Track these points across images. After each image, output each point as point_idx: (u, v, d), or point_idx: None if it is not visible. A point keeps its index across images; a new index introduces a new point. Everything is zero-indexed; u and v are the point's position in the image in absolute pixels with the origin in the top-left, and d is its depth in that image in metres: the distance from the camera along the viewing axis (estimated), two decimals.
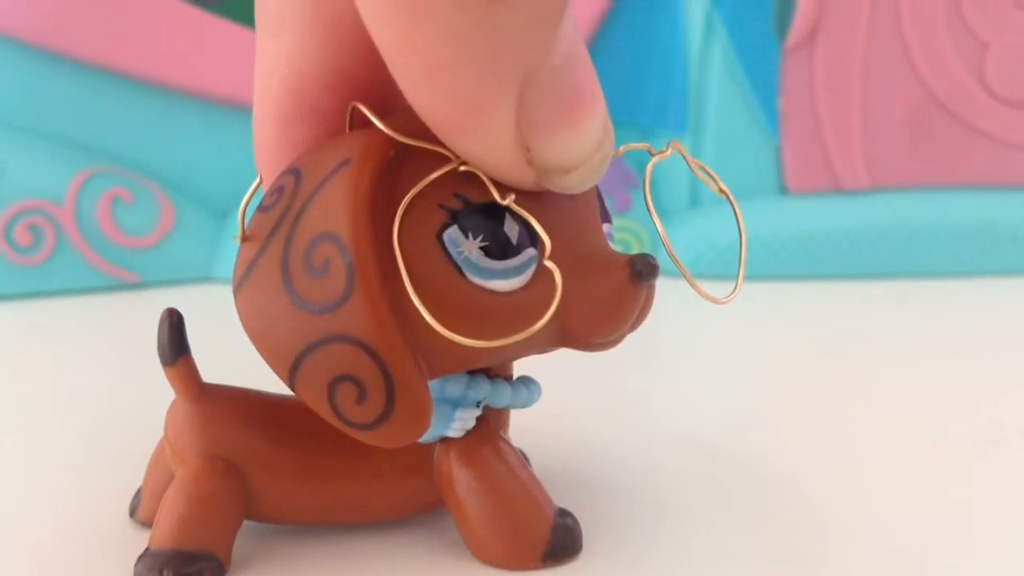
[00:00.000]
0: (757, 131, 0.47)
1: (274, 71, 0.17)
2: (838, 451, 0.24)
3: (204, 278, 0.42)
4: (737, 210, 0.19)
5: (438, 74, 0.14)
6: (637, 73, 0.47)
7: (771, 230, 0.45)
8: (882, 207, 0.47)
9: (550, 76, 0.15)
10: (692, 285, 0.17)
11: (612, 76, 0.46)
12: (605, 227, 0.18)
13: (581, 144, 0.16)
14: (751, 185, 0.47)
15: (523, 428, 0.21)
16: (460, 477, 0.19)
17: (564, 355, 0.18)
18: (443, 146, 0.16)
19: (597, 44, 0.46)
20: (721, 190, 0.19)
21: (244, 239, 0.17)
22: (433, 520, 0.20)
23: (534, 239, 0.16)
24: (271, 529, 0.20)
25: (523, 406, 0.19)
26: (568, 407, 0.26)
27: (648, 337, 0.18)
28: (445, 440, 0.19)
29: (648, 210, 0.18)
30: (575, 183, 0.16)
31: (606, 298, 0.17)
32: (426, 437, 0.19)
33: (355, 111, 0.17)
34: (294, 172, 0.17)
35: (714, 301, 0.17)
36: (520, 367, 0.20)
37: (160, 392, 0.19)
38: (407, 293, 0.16)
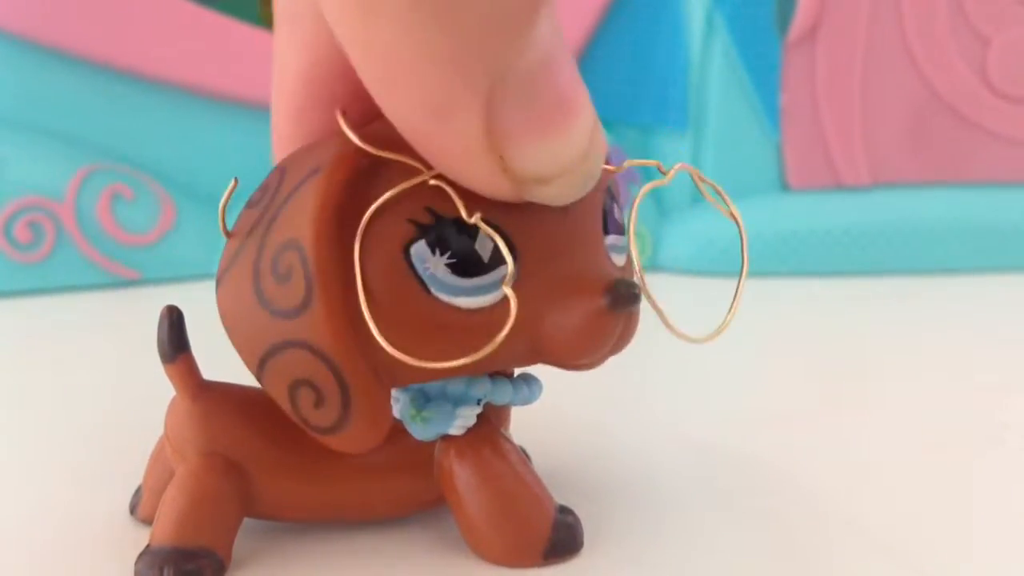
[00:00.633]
0: (758, 128, 0.47)
1: (289, 61, 0.17)
2: (840, 450, 0.24)
3: (205, 275, 0.42)
4: (744, 239, 0.18)
5: (399, 76, 0.14)
6: (638, 70, 0.46)
7: (772, 227, 0.45)
8: (883, 203, 0.47)
9: (524, 80, 0.14)
10: (668, 326, 0.17)
11: (613, 74, 0.46)
12: (610, 239, 0.18)
13: (562, 153, 0.15)
14: (752, 182, 0.47)
15: (525, 425, 0.21)
16: (461, 474, 0.19)
17: None
18: (417, 158, 0.16)
19: (597, 42, 0.46)
20: (732, 215, 0.18)
21: (228, 235, 0.17)
22: (434, 518, 0.20)
23: (514, 256, 0.16)
24: (272, 526, 0.20)
25: (524, 403, 0.19)
26: (570, 404, 0.26)
27: (649, 334, 0.18)
28: (446, 437, 0.19)
29: (629, 237, 0.17)
30: (557, 194, 0.15)
31: (581, 323, 0.16)
32: (427, 435, 0.19)
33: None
34: (280, 171, 0.17)
35: (692, 341, 0.17)
36: None
37: (161, 389, 0.19)
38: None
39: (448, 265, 0.16)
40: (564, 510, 0.19)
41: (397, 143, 0.16)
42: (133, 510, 0.21)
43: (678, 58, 0.46)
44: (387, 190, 0.16)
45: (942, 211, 0.47)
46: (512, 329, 0.15)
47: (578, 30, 0.45)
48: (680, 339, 0.17)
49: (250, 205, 0.17)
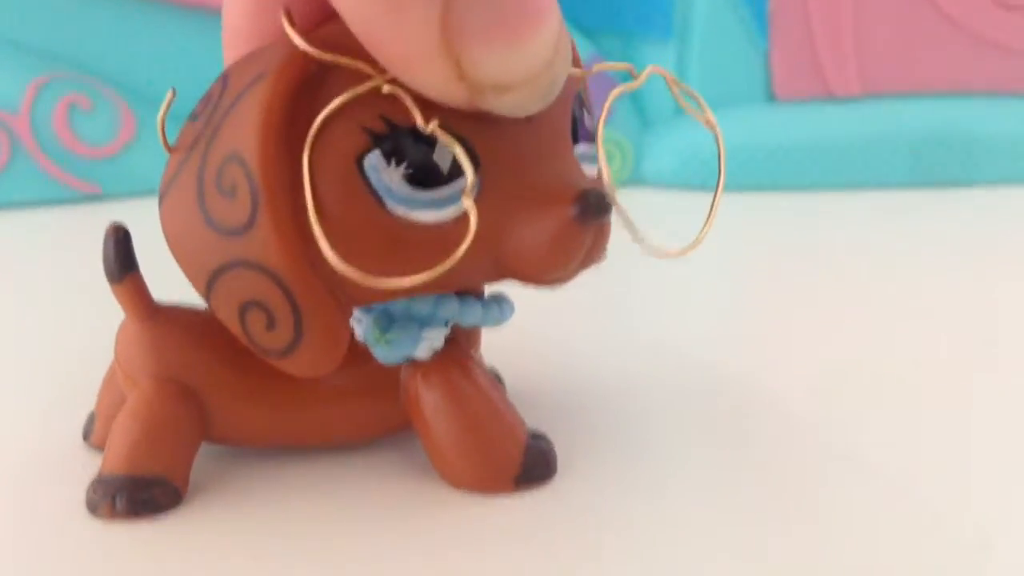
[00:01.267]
0: (745, 36, 0.45)
1: None
2: (826, 371, 0.24)
3: None
4: (721, 148, 0.17)
5: None
6: None
7: (759, 138, 0.44)
8: (874, 114, 0.45)
9: None
10: (639, 240, 0.16)
11: None
12: (581, 148, 0.17)
13: (522, 61, 0.14)
14: (739, 92, 0.45)
15: (496, 347, 0.20)
16: (428, 399, 0.18)
17: None
18: (369, 62, 0.14)
19: None
20: (708, 122, 0.17)
21: (170, 149, 0.16)
22: (401, 443, 0.19)
23: (476, 166, 0.15)
24: (230, 452, 0.19)
25: (495, 324, 0.19)
26: (543, 325, 0.25)
27: (628, 250, 0.17)
28: (413, 361, 0.18)
29: (598, 146, 0.16)
30: (516, 105, 0.15)
31: (548, 235, 0.15)
32: (392, 358, 0.18)
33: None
34: (223, 79, 0.16)
35: (665, 256, 0.16)
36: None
37: (116, 311, 0.18)
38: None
39: (405, 176, 0.15)
40: (536, 435, 0.19)
41: (348, 47, 0.14)
42: (86, 436, 0.20)
43: None
44: (337, 97, 0.15)
45: (935, 122, 0.45)
46: (474, 244, 0.14)
47: None
48: (652, 254, 0.16)
49: (193, 117, 0.16)
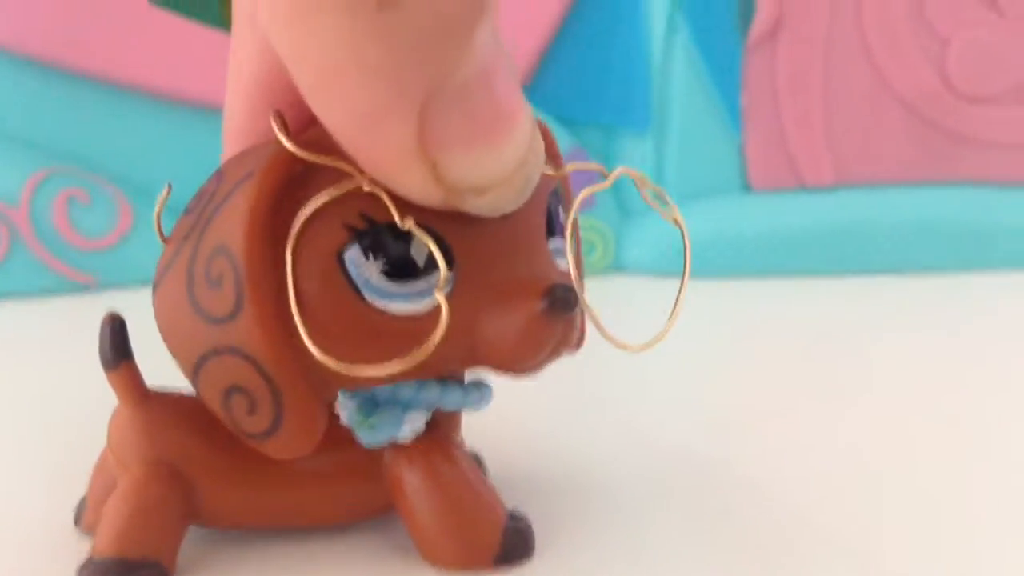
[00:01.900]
0: (720, 128, 0.47)
1: (245, 61, 0.17)
2: (801, 454, 0.24)
3: None
4: (687, 245, 0.18)
5: (331, 82, 0.14)
6: (600, 71, 0.46)
7: (735, 227, 0.45)
8: (846, 203, 0.47)
9: (461, 91, 0.14)
10: (603, 332, 0.17)
11: (574, 74, 0.46)
12: (555, 242, 0.18)
13: (495, 165, 0.15)
14: (714, 182, 0.47)
15: (477, 431, 0.21)
16: (411, 481, 0.19)
17: None
18: (351, 163, 0.15)
19: (559, 42, 0.46)
20: (675, 220, 0.18)
21: (165, 240, 0.17)
22: (384, 525, 0.20)
23: (450, 261, 0.16)
24: (218, 535, 0.20)
25: (475, 409, 0.19)
26: (522, 409, 0.25)
27: (602, 338, 0.17)
28: (396, 444, 0.19)
29: (566, 241, 0.17)
30: (492, 204, 0.15)
31: (518, 327, 0.16)
32: (375, 441, 0.18)
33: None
34: (218, 176, 0.17)
35: (628, 349, 0.17)
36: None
37: (109, 398, 0.19)
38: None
39: (382, 270, 0.16)
40: (515, 516, 0.19)
41: (333, 148, 0.15)
42: (77, 521, 0.20)
43: (640, 58, 0.46)
44: (320, 194, 0.16)
45: (904, 211, 0.47)
46: (448, 334, 0.15)
47: (539, 29, 0.45)
48: (616, 347, 0.17)
49: (187, 211, 0.17)
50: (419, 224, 0.15)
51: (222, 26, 0.43)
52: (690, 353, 0.34)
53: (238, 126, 0.18)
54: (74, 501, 0.21)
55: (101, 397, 0.20)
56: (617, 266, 0.46)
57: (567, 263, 0.18)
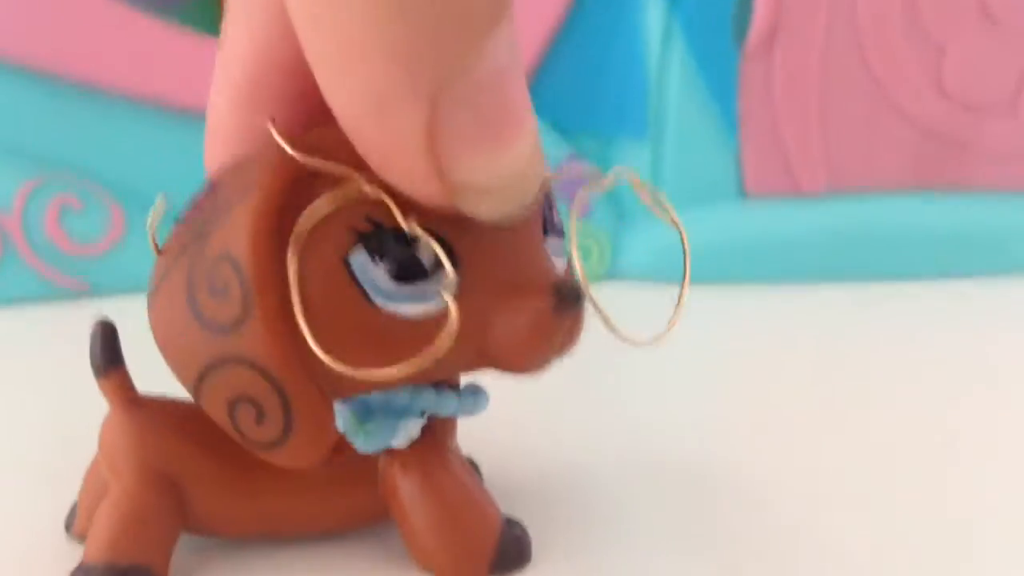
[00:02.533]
0: (716, 135, 0.47)
1: (236, 55, 0.17)
2: (798, 461, 0.24)
3: None
4: (686, 247, 0.18)
5: (346, 60, 0.14)
6: (596, 79, 0.46)
7: (731, 234, 0.45)
8: (842, 210, 0.47)
9: (473, 88, 0.14)
10: (611, 328, 0.17)
11: (571, 82, 0.46)
12: (552, 242, 0.18)
13: (500, 167, 0.15)
14: (711, 189, 0.47)
15: (472, 436, 0.21)
16: (406, 488, 0.19)
17: None
18: (352, 167, 0.15)
19: (555, 50, 0.46)
20: (673, 221, 0.18)
21: (159, 252, 0.17)
22: (379, 532, 0.20)
23: (456, 263, 0.16)
24: (210, 542, 0.19)
25: (470, 414, 0.19)
26: (518, 414, 0.25)
27: (605, 342, 0.17)
28: (390, 450, 0.19)
29: (571, 241, 0.17)
30: (492, 208, 0.15)
31: (527, 325, 0.16)
32: (370, 447, 0.18)
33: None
34: (212, 185, 0.17)
35: (636, 344, 0.17)
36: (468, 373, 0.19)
37: (101, 404, 0.19)
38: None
39: (389, 272, 0.16)
40: (511, 523, 0.19)
41: (333, 152, 0.15)
42: (68, 527, 0.20)
43: (636, 67, 0.46)
44: (323, 199, 0.15)
45: (900, 219, 0.47)
46: (457, 335, 0.15)
47: (535, 37, 0.45)
48: (623, 342, 0.17)
49: (180, 222, 0.17)
50: (423, 226, 0.15)
51: (212, 31, 0.43)
52: (686, 360, 0.34)
53: (224, 125, 0.18)
54: (66, 507, 0.21)
55: (93, 403, 0.20)
56: (613, 271, 0.46)
57: (562, 262, 0.18)
